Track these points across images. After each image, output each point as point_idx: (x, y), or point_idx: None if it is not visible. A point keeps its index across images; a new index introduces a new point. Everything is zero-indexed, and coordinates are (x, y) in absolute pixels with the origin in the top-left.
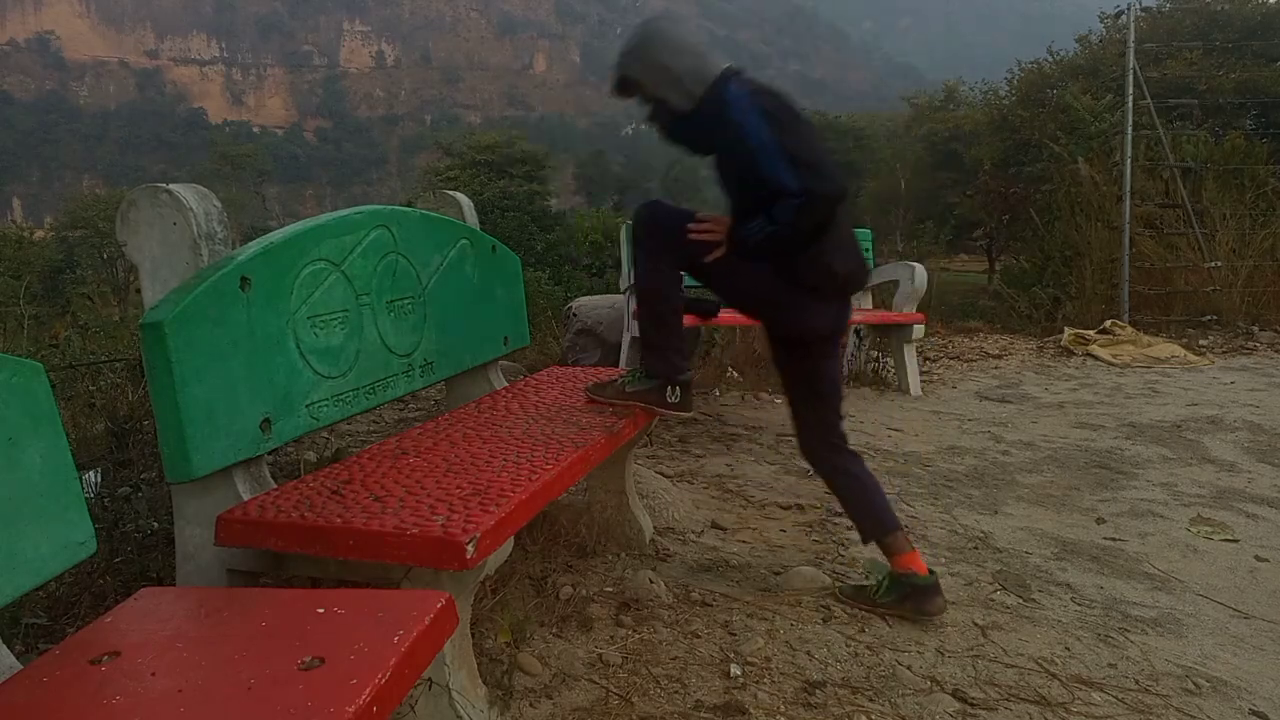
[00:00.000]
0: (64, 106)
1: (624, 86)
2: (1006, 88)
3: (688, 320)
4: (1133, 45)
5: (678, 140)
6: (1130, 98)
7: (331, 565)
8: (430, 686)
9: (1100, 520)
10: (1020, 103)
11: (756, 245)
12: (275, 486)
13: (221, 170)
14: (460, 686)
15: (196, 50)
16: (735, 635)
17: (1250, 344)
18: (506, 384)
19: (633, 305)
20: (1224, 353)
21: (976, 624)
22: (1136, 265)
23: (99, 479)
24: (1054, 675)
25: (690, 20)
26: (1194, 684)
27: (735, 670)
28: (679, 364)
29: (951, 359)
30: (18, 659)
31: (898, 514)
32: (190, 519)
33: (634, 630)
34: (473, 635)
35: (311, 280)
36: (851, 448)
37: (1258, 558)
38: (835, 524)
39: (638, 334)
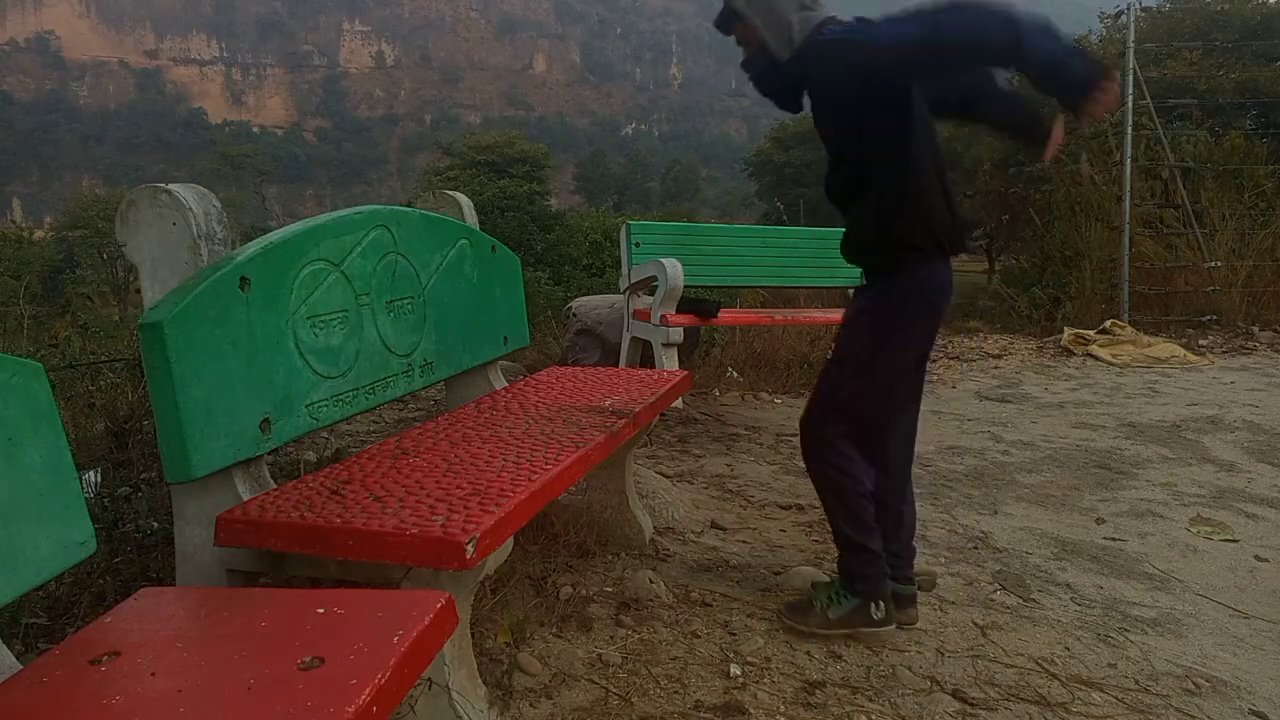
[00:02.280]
0: (64, 106)
1: (727, 19)
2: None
3: (687, 320)
4: (1132, 45)
5: (767, 90)
6: (1130, 98)
7: (331, 565)
8: (430, 686)
9: (1100, 520)
10: None
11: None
12: (275, 486)
13: (221, 170)
14: (460, 686)
15: (196, 50)
16: (735, 635)
17: (1250, 344)
18: (506, 384)
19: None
20: (1224, 353)
21: (976, 624)
22: (1136, 265)
23: (99, 479)
24: (1054, 675)
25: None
26: (1194, 684)
27: (735, 670)
28: (881, 569)
29: (951, 359)
30: (18, 659)
31: None
32: (190, 519)
33: (634, 630)
34: (473, 635)
35: (311, 280)
36: None
37: (1258, 558)
38: None
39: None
